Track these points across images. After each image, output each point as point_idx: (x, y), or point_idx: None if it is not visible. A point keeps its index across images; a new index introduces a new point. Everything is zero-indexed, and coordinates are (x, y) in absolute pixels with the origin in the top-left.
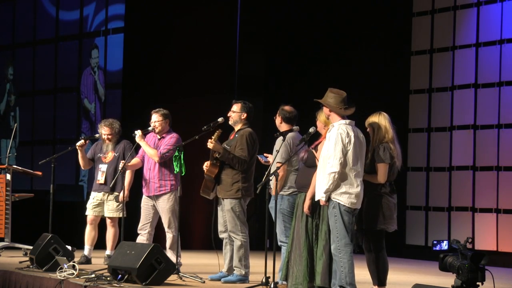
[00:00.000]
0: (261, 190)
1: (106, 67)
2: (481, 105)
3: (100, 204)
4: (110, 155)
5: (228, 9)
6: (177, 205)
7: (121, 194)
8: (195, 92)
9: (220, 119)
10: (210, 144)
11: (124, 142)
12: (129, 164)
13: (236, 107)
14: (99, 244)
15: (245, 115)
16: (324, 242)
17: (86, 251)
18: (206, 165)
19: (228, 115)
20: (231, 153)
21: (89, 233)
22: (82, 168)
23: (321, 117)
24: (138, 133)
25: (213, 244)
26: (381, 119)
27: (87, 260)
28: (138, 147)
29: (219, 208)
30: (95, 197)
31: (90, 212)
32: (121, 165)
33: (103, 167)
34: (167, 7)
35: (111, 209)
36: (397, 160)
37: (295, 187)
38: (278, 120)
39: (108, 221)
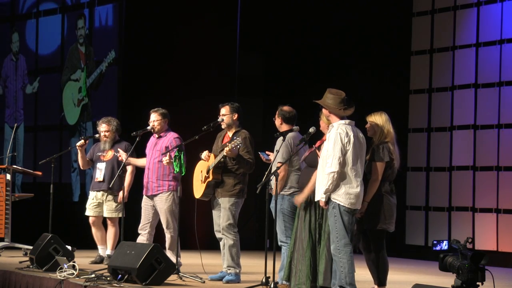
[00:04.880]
0: (261, 190)
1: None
2: (481, 105)
3: (100, 205)
4: (109, 154)
5: (228, 10)
6: (175, 206)
7: (120, 194)
8: (195, 93)
9: (220, 119)
10: (228, 151)
11: (125, 143)
12: (134, 159)
13: (224, 110)
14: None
15: (236, 115)
16: (326, 242)
17: (100, 251)
18: (203, 170)
19: (219, 119)
20: (243, 157)
21: (95, 234)
22: (81, 168)
23: (324, 117)
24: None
25: (197, 244)
26: (383, 120)
27: (102, 260)
28: (137, 147)
29: (214, 209)
30: (94, 197)
31: (90, 213)
32: (123, 156)
33: (101, 166)
34: (167, 8)
35: (110, 209)
36: (395, 161)
37: (296, 187)
38: (278, 121)
39: (108, 221)
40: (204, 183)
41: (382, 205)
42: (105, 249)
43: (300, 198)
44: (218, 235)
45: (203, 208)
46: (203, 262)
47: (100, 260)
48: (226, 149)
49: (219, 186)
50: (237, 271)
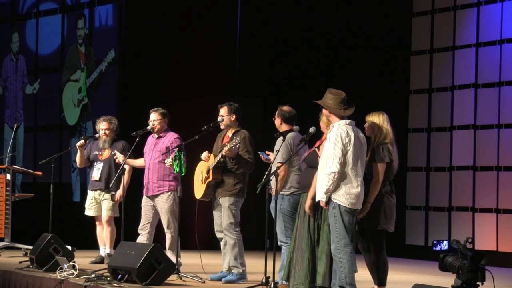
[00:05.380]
0: (261, 190)
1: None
2: (481, 105)
3: (98, 204)
4: (106, 153)
5: (229, 10)
6: (176, 206)
7: (118, 193)
8: (195, 93)
9: (219, 119)
10: (228, 151)
11: (122, 142)
12: (131, 160)
13: (223, 111)
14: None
15: (234, 116)
16: (325, 242)
17: (101, 251)
18: (204, 170)
19: (219, 119)
20: (243, 157)
21: (100, 234)
22: (78, 166)
23: (324, 117)
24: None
25: (197, 244)
26: (382, 120)
27: (102, 260)
28: (136, 147)
29: (214, 209)
30: (92, 196)
31: (92, 213)
32: (121, 159)
33: (98, 164)
34: (167, 8)
35: (107, 208)
36: (395, 161)
37: (295, 187)
38: (277, 121)
39: (104, 219)
40: (204, 183)
41: (383, 205)
42: (105, 249)
43: (307, 206)
44: (218, 235)
45: (203, 208)
46: (203, 262)
47: (101, 260)
48: (225, 148)
49: (219, 186)
50: (240, 270)
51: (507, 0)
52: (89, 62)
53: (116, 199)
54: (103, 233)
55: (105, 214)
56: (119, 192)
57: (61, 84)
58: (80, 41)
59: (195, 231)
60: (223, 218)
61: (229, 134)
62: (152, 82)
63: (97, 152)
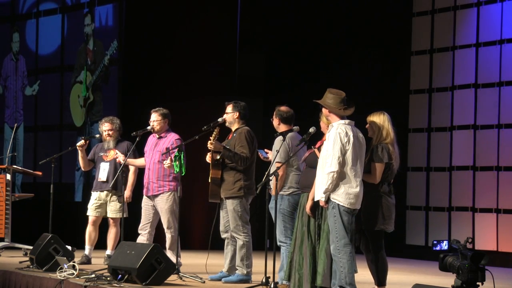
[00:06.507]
0: (261, 190)
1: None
2: (481, 105)
3: (102, 205)
4: (112, 154)
5: (228, 10)
6: (176, 206)
7: (125, 194)
8: (195, 93)
9: (220, 119)
10: (210, 145)
11: (126, 142)
12: (132, 160)
13: (228, 108)
14: (100, 244)
15: (237, 114)
16: (325, 242)
17: (86, 251)
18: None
19: (219, 119)
20: (232, 150)
21: (90, 234)
22: (82, 169)
23: (324, 118)
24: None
25: (209, 244)
26: (383, 120)
27: (88, 260)
28: (137, 147)
29: (221, 209)
30: (97, 197)
31: (92, 213)
32: (121, 158)
33: (104, 165)
34: (167, 8)
35: (114, 209)
36: (394, 162)
37: (295, 187)
38: (275, 121)
39: (110, 221)
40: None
41: (381, 206)
42: (91, 250)
43: (308, 206)
44: (222, 235)
45: (205, 208)
46: (204, 262)
47: (87, 261)
48: (208, 142)
49: (222, 185)
50: (245, 272)
51: (507, 0)
52: (96, 57)
53: (124, 200)
54: (98, 235)
55: (112, 215)
56: (127, 193)
57: (69, 86)
58: (87, 38)
59: (211, 232)
60: (230, 221)
61: (233, 131)
62: (152, 82)
63: (102, 154)
